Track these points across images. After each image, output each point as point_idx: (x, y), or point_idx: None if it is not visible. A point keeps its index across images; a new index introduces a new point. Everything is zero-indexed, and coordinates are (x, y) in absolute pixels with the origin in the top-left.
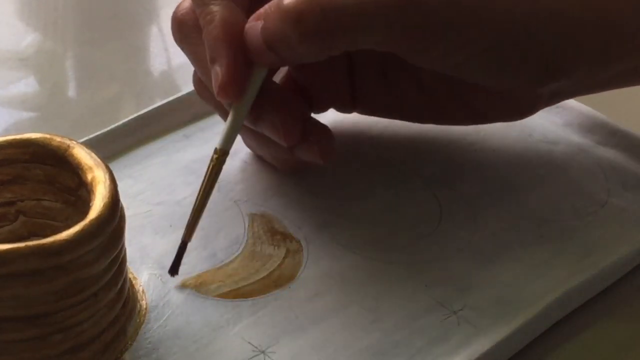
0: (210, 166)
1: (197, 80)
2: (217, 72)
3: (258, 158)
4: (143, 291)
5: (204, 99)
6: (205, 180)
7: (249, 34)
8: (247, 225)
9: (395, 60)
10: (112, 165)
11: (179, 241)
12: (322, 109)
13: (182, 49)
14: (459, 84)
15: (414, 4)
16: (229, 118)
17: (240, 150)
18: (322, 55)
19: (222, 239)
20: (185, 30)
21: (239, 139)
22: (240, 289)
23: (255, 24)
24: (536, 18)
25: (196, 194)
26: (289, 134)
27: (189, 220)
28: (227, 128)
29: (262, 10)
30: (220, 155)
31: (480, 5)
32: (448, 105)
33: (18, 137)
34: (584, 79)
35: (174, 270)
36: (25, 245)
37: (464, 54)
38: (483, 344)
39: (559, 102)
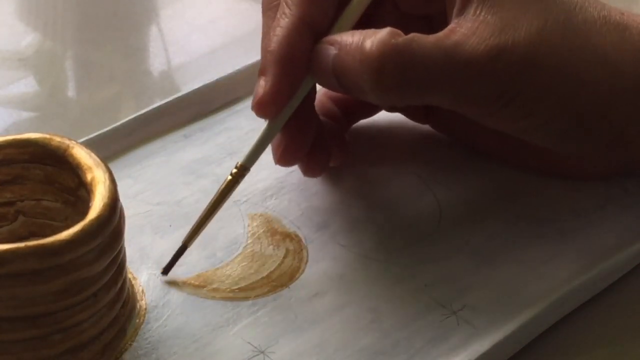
0: (228, 179)
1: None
2: (262, 85)
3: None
4: (143, 291)
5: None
6: (219, 191)
7: (318, 56)
8: (246, 226)
9: None
10: (112, 165)
11: (180, 241)
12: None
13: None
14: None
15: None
16: (260, 135)
17: (240, 150)
18: (386, 102)
19: (221, 239)
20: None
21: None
22: (240, 289)
23: (327, 48)
24: (617, 94)
25: (206, 202)
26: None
27: (193, 226)
28: (255, 145)
29: (337, 37)
30: (240, 171)
31: (555, 79)
32: (520, 153)
33: (18, 137)
34: None
35: (166, 270)
36: (25, 245)
37: (531, 123)
38: (482, 344)
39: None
